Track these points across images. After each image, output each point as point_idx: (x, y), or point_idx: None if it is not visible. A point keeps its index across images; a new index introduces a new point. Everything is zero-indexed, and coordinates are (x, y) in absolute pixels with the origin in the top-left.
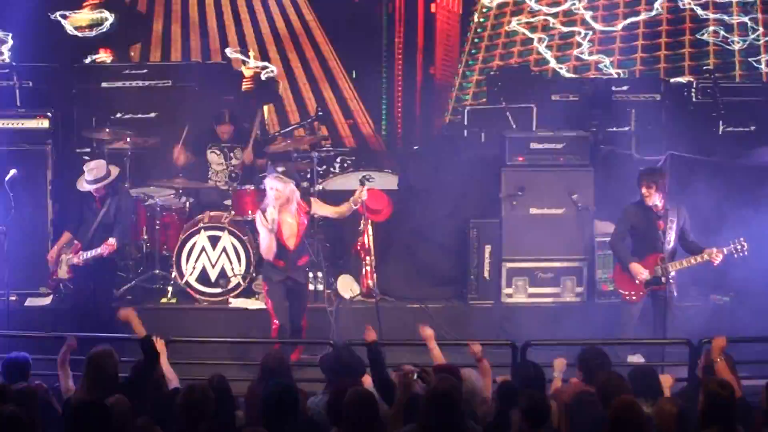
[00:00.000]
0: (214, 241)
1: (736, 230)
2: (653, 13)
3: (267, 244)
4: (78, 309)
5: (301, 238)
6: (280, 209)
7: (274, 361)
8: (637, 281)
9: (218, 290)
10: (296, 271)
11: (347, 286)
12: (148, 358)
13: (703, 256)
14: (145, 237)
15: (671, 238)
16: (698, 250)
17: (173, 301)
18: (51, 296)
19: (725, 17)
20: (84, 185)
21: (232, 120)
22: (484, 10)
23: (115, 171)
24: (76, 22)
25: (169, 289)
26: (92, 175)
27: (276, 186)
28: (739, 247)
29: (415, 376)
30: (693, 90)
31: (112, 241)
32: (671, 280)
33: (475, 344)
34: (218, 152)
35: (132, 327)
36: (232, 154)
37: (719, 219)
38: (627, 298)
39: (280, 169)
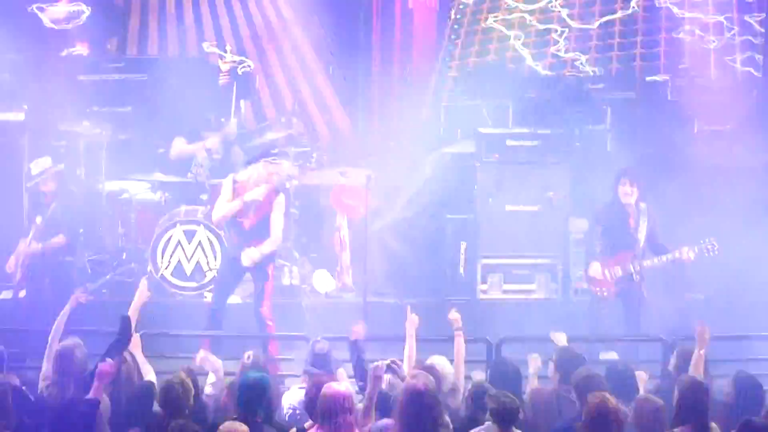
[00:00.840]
0: (189, 235)
1: (711, 228)
2: (629, 11)
3: (225, 210)
4: (33, 306)
5: (258, 221)
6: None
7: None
8: (609, 278)
9: (194, 284)
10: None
11: (323, 282)
12: (121, 335)
13: (675, 254)
14: (121, 231)
15: (642, 236)
16: (666, 252)
17: (148, 294)
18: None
19: (701, 16)
20: (32, 177)
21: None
22: (461, 6)
23: (59, 167)
24: (53, 14)
25: (145, 282)
26: (38, 167)
27: (276, 171)
28: (709, 246)
29: (384, 367)
30: (668, 88)
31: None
32: (642, 277)
33: (455, 313)
34: None
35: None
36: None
37: (690, 217)
38: (598, 293)
39: (274, 151)
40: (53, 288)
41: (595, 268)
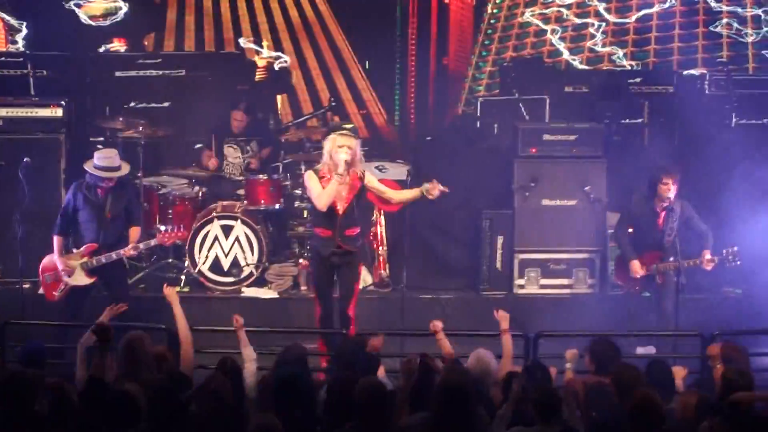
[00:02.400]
0: (227, 230)
1: (748, 223)
2: (667, 5)
3: (329, 191)
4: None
5: (351, 203)
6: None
7: (292, 355)
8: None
9: (231, 279)
10: (346, 239)
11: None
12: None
13: (696, 261)
14: (158, 226)
15: (672, 234)
16: (701, 240)
17: (186, 290)
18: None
19: (739, 9)
20: (97, 171)
21: (247, 111)
22: (498, 0)
23: (126, 167)
24: (90, 11)
25: (182, 278)
26: (108, 162)
27: (348, 144)
28: (731, 257)
29: (417, 361)
30: (706, 82)
31: (138, 243)
32: (681, 269)
33: (503, 313)
34: (235, 146)
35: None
36: (248, 147)
37: (727, 211)
38: (629, 290)
39: (348, 125)
40: (111, 282)
41: (636, 267)
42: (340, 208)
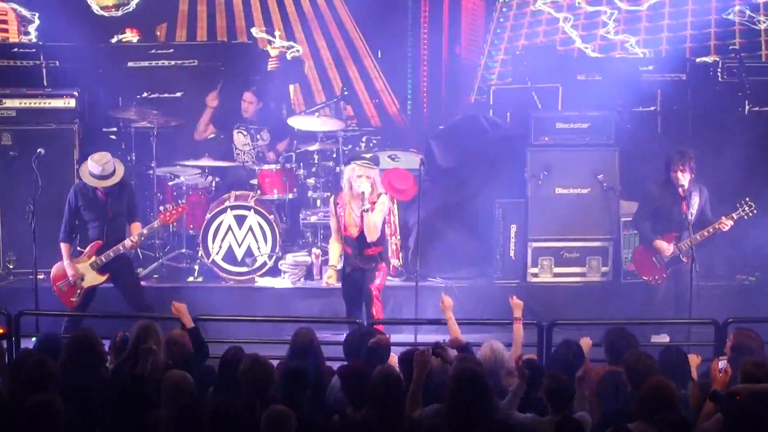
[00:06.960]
0: (240, 220)
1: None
2: None
3: (335, 251)
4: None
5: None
6: (355, 195)
7: (304, 340)
8: (657, 264)
9: (244, 269)
10: (363, 260)
11: None
12: (197, 348)
13: (714, 226)
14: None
15: (691, 218)
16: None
17: (200, 279)
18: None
19: None
20: (91, 180)
21: (259, 95)
22: None
23: (120, 169)
24: (102, 1)
25: (196, 268)
26: (101, 170)
27: (366, 173)
28: (747, 208)
29: (430, 351)
30: (719, 69)
31: (141, 230)
32: (693, 257)
33: (518, 301)
34: (245, 132)
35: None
36: (258, 135)
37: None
38: (653, 283)
39: (367, 155)
40: (117, 276)
41: (664, 246)
42: (354, 233)
